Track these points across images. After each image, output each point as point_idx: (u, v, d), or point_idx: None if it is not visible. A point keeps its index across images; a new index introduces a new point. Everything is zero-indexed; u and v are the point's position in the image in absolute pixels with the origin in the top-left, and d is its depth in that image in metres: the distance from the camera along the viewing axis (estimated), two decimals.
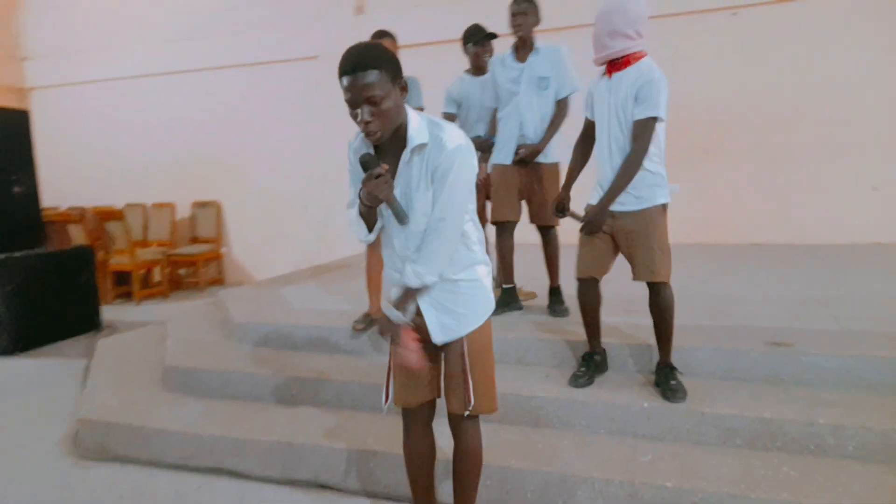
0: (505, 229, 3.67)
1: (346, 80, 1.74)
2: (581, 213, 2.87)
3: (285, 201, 7.87)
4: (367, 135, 1.80)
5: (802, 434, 2.57)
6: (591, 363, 3.06)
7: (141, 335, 5.04)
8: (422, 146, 1.83)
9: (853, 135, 5.64)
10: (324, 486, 2.88)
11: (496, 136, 3.71)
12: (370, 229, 1.97)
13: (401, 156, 1.86)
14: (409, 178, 1.87)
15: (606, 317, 3.11)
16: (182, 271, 8.27)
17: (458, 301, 2.01)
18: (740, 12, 5.87)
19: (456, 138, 1.83)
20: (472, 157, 1.87)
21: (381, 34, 3.69)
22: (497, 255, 3.75)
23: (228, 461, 3.07)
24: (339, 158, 7.12)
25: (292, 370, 3.49)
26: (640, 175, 2.71)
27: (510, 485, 2.58)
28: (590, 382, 3.00)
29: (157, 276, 7.96)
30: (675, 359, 2.98)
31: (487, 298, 2.09)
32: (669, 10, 5.89)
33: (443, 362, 2.10)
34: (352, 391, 3.28)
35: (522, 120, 3.55)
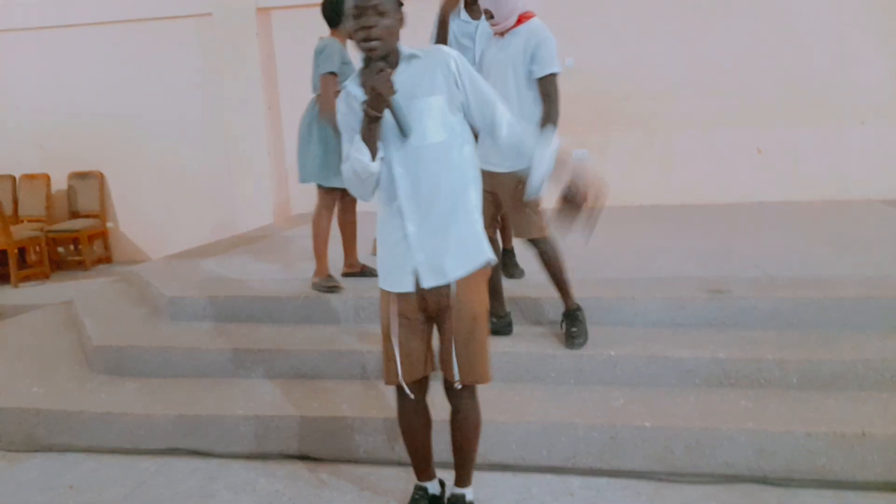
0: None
1: None
2: None
3: (179, 172, 7.33)
4: (369, 41, 1.86)
5: (752, 370, 2.82)
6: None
7: (40, 317, 4.58)
8: (413, 56, 1.95)
9: (739, 102, 6.13)
10: (299, 457, 2.80)
11: None
12: (373, 155, 1.91)
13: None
14: (408, 86, 1.90)
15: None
16: (61, 249, 7.54)
17: (454, 242, 1.96)
18: None
19: (445, 49, 2.00)
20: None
21: None
22: None
23: (185, 441, 2.91)
24: (239, 125, 6.84)
25: (240, 343, 3.34)
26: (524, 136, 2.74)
27: (494, 438, 2.62)
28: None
29: (32, 256, 7.20)
30: (624, 309, 3.18)
31: (483, 245, 2.03)
32: None
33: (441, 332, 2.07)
34: (311, 360, 3.19)
35: None
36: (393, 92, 1.83)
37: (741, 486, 2.46)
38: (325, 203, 3.68)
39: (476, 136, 2.10)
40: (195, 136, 7.20)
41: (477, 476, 2.31)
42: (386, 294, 2.06)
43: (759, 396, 2.74)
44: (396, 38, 1.93)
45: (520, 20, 2.88)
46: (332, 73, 3.56)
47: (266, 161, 6.94)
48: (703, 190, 6.29)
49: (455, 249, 1.96)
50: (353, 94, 1.96)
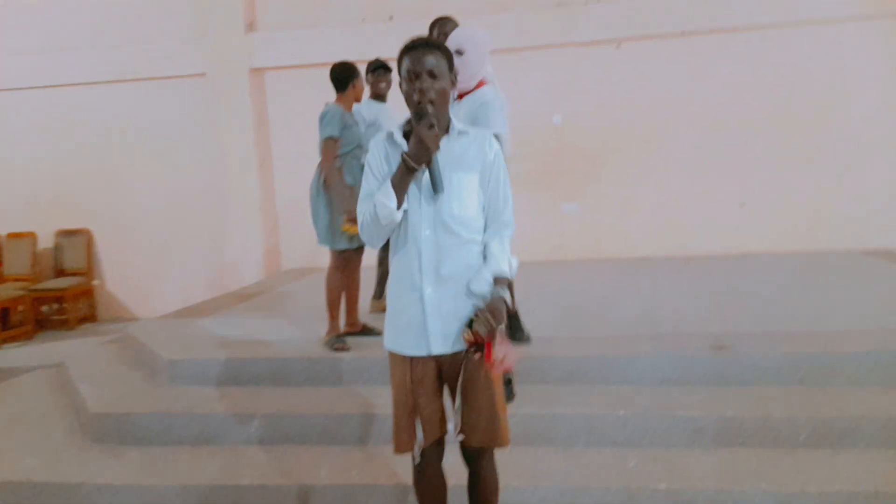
0: None
1: (411, 55, 1.91)
2: None
3: (169, 229, 7.30)
4: (422, 103, 1.88)
5: (761, 428, 2.85)
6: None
7: (29, 382, 4.46)
8: (462, 133, 1.99)
9: (722, 156, 6.32)
10: None
11: None
12: (400, 203, 1.91)
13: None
14: (451, 157, 1.95)
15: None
16: (45, 308, 7.40)
17: (466, 311, 1.96)
18: (623, 45, 6.40)
19: (490, 135, 2.04)
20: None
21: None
22: None
23: None
24: (231, 182, 6.86)
25: (244, 406, 3.28)
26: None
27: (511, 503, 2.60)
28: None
29: (15, 316, 7.05)
30: (630, 367, 3.21)
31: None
32: (563, 40, 6.29)
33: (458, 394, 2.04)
34: (318, 424, 3.14)
35: None
36: (437, 149, 1.87)
37: None
38: (335, 264, 3.72)
39: None
40: (186, 193, 7.20)
41: None
42: (397, 357, 2.05)
43: (770, 455, 2.75)
44: (448, 101, 1.98)
45: (478, 85, 3.01)
46: (333, 139, 3.64)
47: (257, 217, 6.96)
48: (690, 241, 6.41)
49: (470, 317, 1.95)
50: (396, 142, 1.97)
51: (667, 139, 6.36)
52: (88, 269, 7.42)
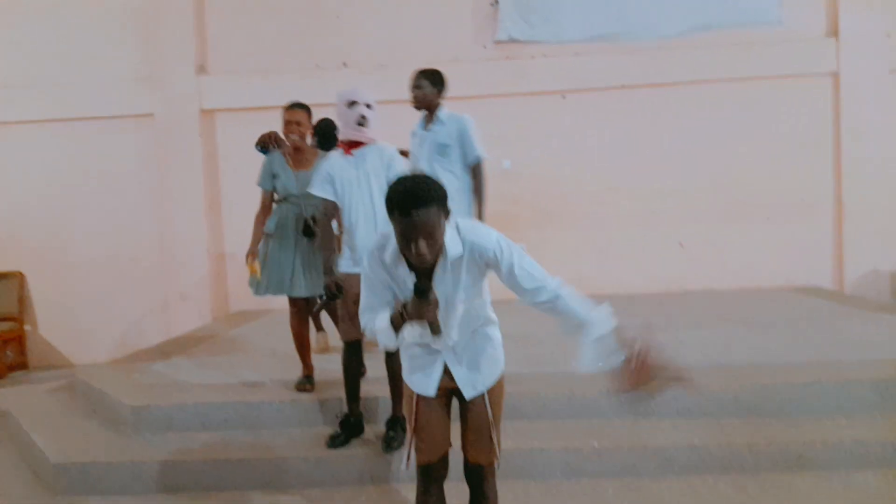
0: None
1: (405, 216, 1.81)
2: None
3: (110, 272, 7.04)
4: (420, 264, 1.91)
5: (725, 455, 3.03)
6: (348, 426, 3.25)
7: None
8: (458, 257, 1.97)
9: (663, 201, 6.71)
10: None
11: None
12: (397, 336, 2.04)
13: (434, 267, 1.97)
14: (447, 284, 1.99)
15: None
16: None
17: (483, 358, 2.18)
18: (568, 96, 6.75)
19: (488, 234, 2.01)
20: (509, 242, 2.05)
21: (299, 106, 3.70)
22: None
23: None
24: (177, 223, 6.73)
25: (217, 453, 3.22)
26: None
27: None
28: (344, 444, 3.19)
29: None
30: (599, 402, 3.34)
31: (502, 357, 2.26)
32: (513, 90, 6.60)
33: (464, 418, 2.21)
34: (295, 467, 3.12)
35: None
36: (435, 319, 1.98)
37: None
38: (291, 310, 3.74)
39: None
40: (130, 235, 7.02)
41: None
42: (406, 387, 2.22)
43: (736, 480, 2.94)
44: (441, 249, 1.93)
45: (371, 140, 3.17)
46: (262, 189, 3.74)
47: (205, 259, 6.84)
48: (634, 280, 6.72)
49: (487, 367, 2.18)
50: (402, 277, 2.01)
51: (612, 184, 6.71)
52: (20, 314, 7.06)
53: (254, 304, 7.14)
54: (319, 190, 3.11)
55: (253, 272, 3.64)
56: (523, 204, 6.61)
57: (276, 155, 3.73)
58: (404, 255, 1.94)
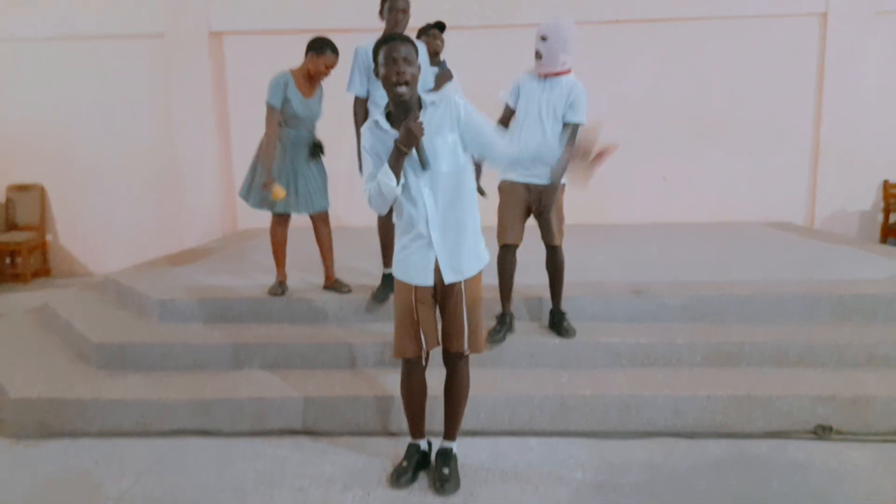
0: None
1: (388, 45, 2.40)
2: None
3: (123, 186, 7.51)
4: (400, 84, 2.37)
5: (666, 352, 3.56)
6: (505, 322, 3.71)
7: (13, 322, 4.74)
8: (433, 103, 2.48)
9: (647, 136, 7.07)
10: (301, 432, 3.26)
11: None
12: (397, 180, 2.43)
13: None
14: (430, 126, 2.44)
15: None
16: None
17: (465, 246, 2.57)
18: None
19: (452, 94, 2.55)
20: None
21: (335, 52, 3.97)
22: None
23: (195, 422, 3.30)
24: (187, 142, 7.10)
25: (234, 338, 3.74)
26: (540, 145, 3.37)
27: (468, 409, 3.14)
28: (503, 339, 3.65)
29: None
30: (566, 306, 3.84)
31: (485, 255, 2.68)
32: (509, 22, 6.85)
33: (442, 310, 2.67)
34: (301, 352, 3.65)
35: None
36: (423, 134, 2.39)
37: (661, 440, 3.15)
38: (271, 221, 4.14)
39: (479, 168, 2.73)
40: (141, 152, 7.42)
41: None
42: (403, 284, 2.61)
43: (673, 372, 3.47)
44: (417, 82, 2.45)
45: (565, 71, 3.48)
46: (269, 106, 3.86)
47: (214, 177, 7.26)
48: (619, 211, 7.16)
49: (468, 254, 2.58)
50: (385, 130, 2.47)
51: (600, 119, 7.03)
52: (41, 224, 7.54)
53: (262, 221, 7.64)
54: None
55: (276, 196, 3.79)
56: None
57: (289, 78, 3.93)
58: (387, 84, 2.39)
